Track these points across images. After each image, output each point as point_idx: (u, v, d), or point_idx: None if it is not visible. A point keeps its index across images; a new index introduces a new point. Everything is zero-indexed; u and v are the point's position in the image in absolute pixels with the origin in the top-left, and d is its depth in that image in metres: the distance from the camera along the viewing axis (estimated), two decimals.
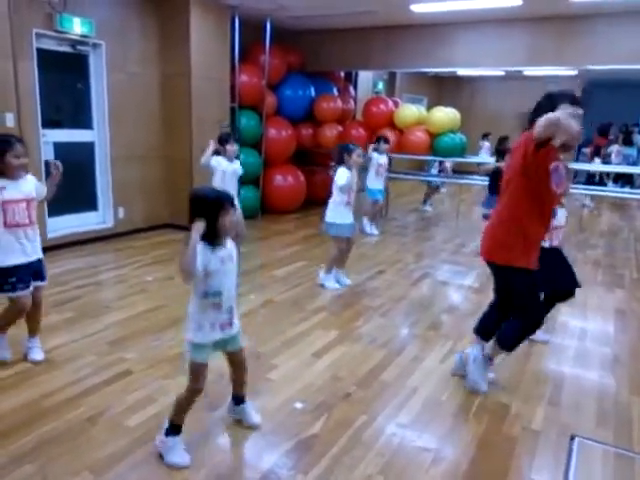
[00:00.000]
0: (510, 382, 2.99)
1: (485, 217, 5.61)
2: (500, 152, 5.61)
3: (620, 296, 4.55)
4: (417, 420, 2.57)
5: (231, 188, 4.63)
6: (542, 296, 3.50)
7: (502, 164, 5.19)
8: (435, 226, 7.54)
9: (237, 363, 2.36)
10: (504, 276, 2.72)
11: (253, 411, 2.47)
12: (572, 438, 2.47)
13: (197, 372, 2.17)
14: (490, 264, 2.74)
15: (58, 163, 2.83)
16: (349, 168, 4.22)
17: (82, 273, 4.63)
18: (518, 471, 2.24)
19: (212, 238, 2.05)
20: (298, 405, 2.64)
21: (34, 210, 2.82)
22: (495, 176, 3.43)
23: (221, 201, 2.05)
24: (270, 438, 2.38)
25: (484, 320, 3.02)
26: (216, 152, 4.62)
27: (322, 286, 4.44)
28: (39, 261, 2.90)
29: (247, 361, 2.39)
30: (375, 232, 6.60)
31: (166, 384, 2.80)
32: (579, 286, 3.36)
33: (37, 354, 3.00)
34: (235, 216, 2.11)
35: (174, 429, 2.21)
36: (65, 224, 5.51)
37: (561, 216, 3.36)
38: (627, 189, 9.21)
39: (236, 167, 4.68)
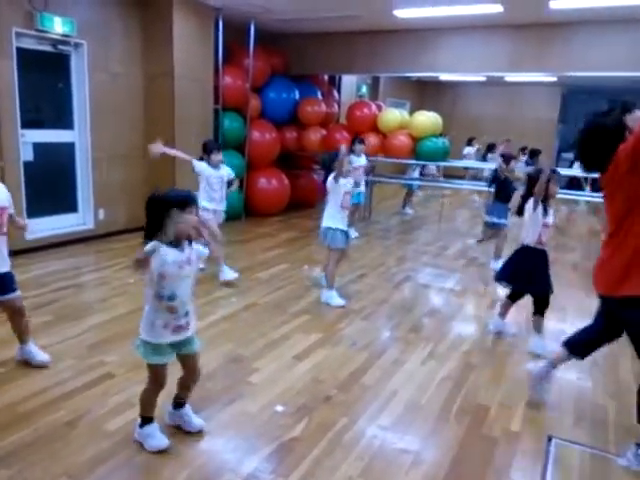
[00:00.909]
0: (490, 384, 3.03)
1: (491, 225, 5.62)
2: (505, 157, 5.66)
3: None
4: (398, 422, 2.59)
5: (217, 194, 4.63)
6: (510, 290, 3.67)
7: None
8: (418, 229, 7.60)
9: (189, 368, 2.31)
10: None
11: (193, 415, 2.42)
12: (549, 439, 2.52)
13: (155, 373, 2.20)
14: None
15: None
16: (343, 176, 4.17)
17: (62, 275, 4.57)
18: (497, 472, 2.27)
19: (168, 238, 2.04)
20: (279, 408, 2.64)
21: (5, 220, 2.72)
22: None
23: (178, 200, 2.04)
24: (251, 441, 2.38)
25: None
26: (200, 158, 4.61)
27: (327, 304, 4.19)
28: (10, 273, 2.79)
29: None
30: (355, 234, 6.55)
31: None
32: (552, 292, 3.47)
33: (42, 355, 2.94)
34: (194, 218, 2.09)
35: (146, 420, 2.27)
36: (45, 226, 5.43)
37: (550, 215, 3.43)
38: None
39: (222, 173, 4.64)
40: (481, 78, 11.80)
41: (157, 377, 2.21)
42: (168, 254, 2.04)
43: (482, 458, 2.35)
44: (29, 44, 5.01)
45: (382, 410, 2.69)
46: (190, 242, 2.14)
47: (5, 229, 2.73)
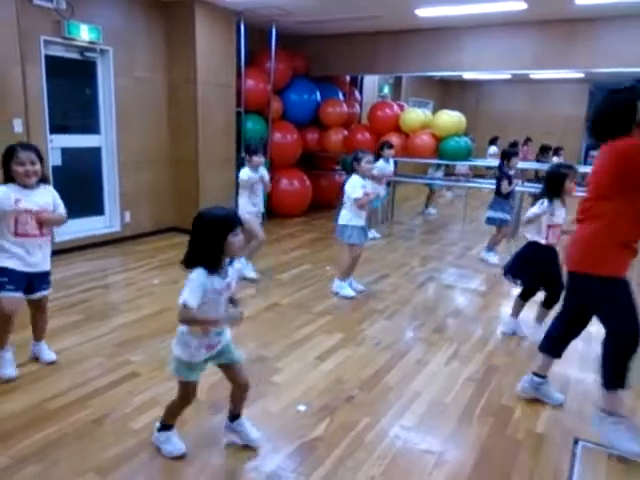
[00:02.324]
0: (514, 385, 2.98)
1: (492, 222, 5.59)
2: (505, 154, 5.64)
3: None
4: (420, 423, 2.57)
5: (259, 197, 4.69)
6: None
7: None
8: (441, 229, 7.54)
9: (234, 378, 2.25)
10: None
11: (251, 427, 2.36)
12: (576, 442, 2.47)
13: (185, 390, 2.17)
14: None
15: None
16: (362, 176, 4.19)
17: (89, 276, 4.67)
18: (521, 474, 2.24)
19: (215, 264, 1.97)
20: (301, 408, 2.65)
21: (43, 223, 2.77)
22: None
23: (230, 221, 1.96)
24: (273, 441, 2.39)
25: None
26: (240, 165, 4.69)
27: (336, 294, 4.35)
28: (45, 274, 2.86)
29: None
30: (376, 235, 6.60)
31: (172, 386, 2.80)
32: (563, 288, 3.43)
33: (49, 355, 3.03)
34: (242, 237, 1.99)
35: (165, 427, 2.27)
36: (72, 228, 5.55)
37: (560, 215, 3.38)
38: None
39: (262, 174, 4.69)
40: (506, 76, 11.64)
41: (187, 394, 2.18)
42: (212, 284, 1.97)
43: (506, 460, 2.32)
44: (57, 51, 5.14)
45: (405, 410, 2.67)
46: (231, 262, 2.06)
47: (46, 230, 2.79)
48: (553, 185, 3.36)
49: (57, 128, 5.25)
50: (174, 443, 2.25)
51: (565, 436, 2.50)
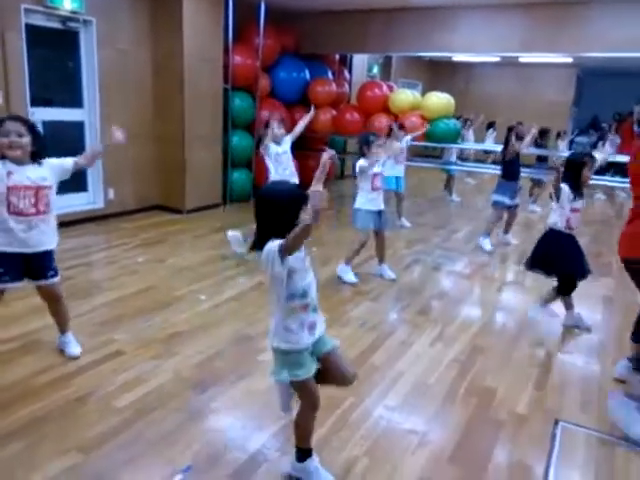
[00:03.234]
0: (497, 367, 3.02)
1: (498, 204, 5.51)
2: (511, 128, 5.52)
3: (608, 284, 4.60)
4: (404, 403, 2.60)
5: (288, 169, 4.64)
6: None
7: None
8: (429, 212, 7.55)
9: (334, 369, 1.96)
10: None
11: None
12: (556, 423, 2.51)
13: (308, 390, 1.89)
14: None
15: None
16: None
17: (72, 254, 4.60)
18: (503, 454, 2.28)
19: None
20: None
21: (45, 198, 2.61)
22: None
23: (300, 195, 1.80)
24: (258, 419, 2.40)
25: None
26: (259, 142, 4.62)
27: (339, 278, 4.28)
28: (46, 254, 2.67)
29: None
30: (407, 224, 6.40)
31: (156, 365, 2.81)
32: (591, 272, 3.50)
33: (74, 348, 2.87)
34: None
35: (305, 454, 1.99)
36: (54, 205, 5.45)
37: (578, 204, 3.39)
38: (618, 178, 9.25)
39: (286, 148, 4.65)
40: (495, 59, 11.58)
41: (310, 395, 1.90)
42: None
43: (488, 440, 2.36)
44: (38, 21, 4.97)
45: (389, 391, 2.70)
46: None
47: (43, 207, 2.61)
48: (572, 172, 3.36)
49: (38, 101, 5.10)
50: (320, 476, 1.97)
51: (546, 417, 2.55)
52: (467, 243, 5.72)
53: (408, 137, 6.38)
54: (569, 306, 3.60)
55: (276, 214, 1.79)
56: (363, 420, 2.43)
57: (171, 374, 2.73)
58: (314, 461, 2.00)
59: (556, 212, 3.44)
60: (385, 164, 4.59)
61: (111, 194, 5.93)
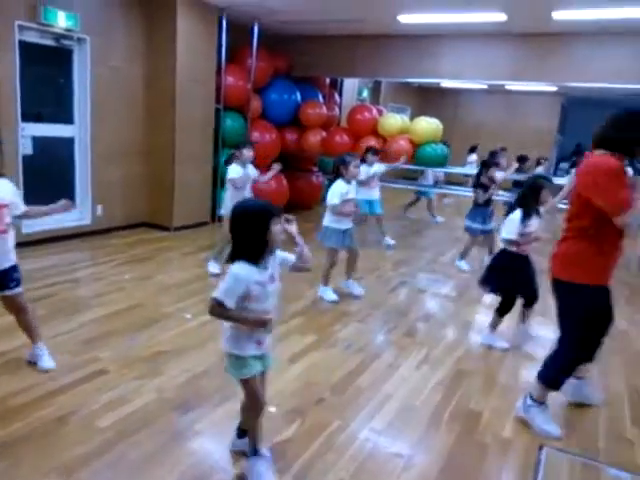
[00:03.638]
0: (482, 390, 3.03)
1: (471, 231, 5.62)
2: (484, 164, 5.67)
3: None
4: (390, 426, 2.59)
5: (247, 193, 4.65)
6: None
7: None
8: (415, 234, 7.61)
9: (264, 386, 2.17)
10: None
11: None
12: (540, 448, 2.51)
13: (251, 389, 2.06)
14: None
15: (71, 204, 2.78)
16: (347, 181, 4.16)
17: (58, 270, 4.56)
18: (488, 478, 2.27)
19: (257, 256, 1.93)
20: (272, 409, 2.64)
21: (4, 218, 2.58)
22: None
23: (269, 210, 1.93)
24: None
25: None
26: (228, 160, 4.64)
27: (321, 299, 4.33)
28: (11, 269, 2.67)
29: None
30: (390, 242, 6.53)
31: (141, 384, 2.78)
32: (536, 296, 3.60)
33: (47, 362, 2.85)
34: (280, 226, 1.96)
35: (258, 452, 2.17)
36: (41, 220, 5.39)
37: (534, 224, 3.44)
38: None
39: (250, 172, 4.67)
40: (483, 86, 11.84)
41: (252, 393, 2.06)
42: (254, 276, 1.92)
43: (473, 464, 2.36)
44: (31, 37, 5.00)
45: (375, 414, 2.69)
46: (272, 252, 2.00)
47: (2, 226, 2.57)
48: (531, 195, 3.43)
49: (29, 116, 5.11)
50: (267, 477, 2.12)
51: (531, 441, 2.55)
52: (452, 266, 5.77)
53: (382, 166, 6.41)
54: (494, 326, 3.70)
55: (245, 228, 1.92)
56: (349, 443, 2.42)
57: (155, 394, 2.70)
58: (264, 461, 2.15)
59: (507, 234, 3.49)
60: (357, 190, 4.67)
61: (99, 210, 5.91)
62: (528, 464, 2.38)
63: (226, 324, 2.04)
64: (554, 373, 2.66)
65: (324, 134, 8.07)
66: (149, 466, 2.16)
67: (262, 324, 1.97)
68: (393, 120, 7.91)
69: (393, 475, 2.23)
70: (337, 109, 8.94)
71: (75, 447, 2.23)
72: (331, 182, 4.36)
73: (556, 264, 2.60)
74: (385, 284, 4.96)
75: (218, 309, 1.92)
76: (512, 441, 2.55)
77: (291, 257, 2.11)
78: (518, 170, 7.86)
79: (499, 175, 5.58)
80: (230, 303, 1.89)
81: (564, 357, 2.64)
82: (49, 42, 5.18)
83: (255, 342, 2.03)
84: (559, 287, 2.60)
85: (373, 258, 5.88)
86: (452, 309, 4.45)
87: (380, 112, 8.43)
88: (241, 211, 1.97)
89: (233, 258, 1.94)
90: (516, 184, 8.25)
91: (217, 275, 4.61)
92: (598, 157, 2.39)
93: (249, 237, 1.92)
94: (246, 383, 2.06)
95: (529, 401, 2.70)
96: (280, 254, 2.06)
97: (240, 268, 1.91)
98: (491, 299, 4.77)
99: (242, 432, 2.25)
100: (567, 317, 2.62)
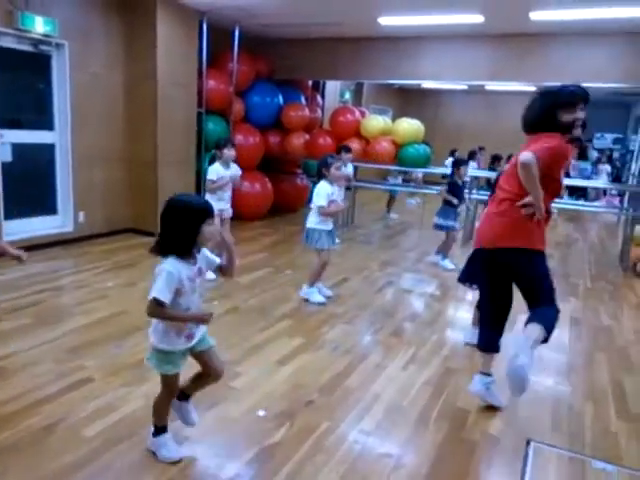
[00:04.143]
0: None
1: (439, 228, 5.73)
2: (455, 163, 5.82)
3: (575, 305, 4.73)
4: (379, 427, 2.60)
5: (227, 193, 4.64)
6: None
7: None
8: (400, 235, 7.66)
9: (207, 363, 2.19)
10: None
11: (193, 410, 2.35)
12: (528, 443, 2.55)
13: (169, 383, 2.15)
14: None
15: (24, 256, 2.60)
16: (330, 182, 4.18)
17: (40, 278, 4.50)
18: (477, 475, 2.30)
19: (186, 252, 1.96)
20: (261, 413, 2.64)
21: None
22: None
23: (204, 210, 1.95)
24: (232, 446, 2.36)
25: None
26: (211, 160, 4.60)
27: (307, 301, 4.31)
28: None
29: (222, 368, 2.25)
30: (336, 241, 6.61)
31: (128, 392, 2.75)
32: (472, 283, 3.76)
33: None
34: (217, 227, 2.03)
35: (160, 430, 2.23)
36: (23, 227, 5.34)
37: None
38: (581, 202, 9.57)
39: (234, 171, 4.63)
40: (463, 86, 11.96)
41: (170, 386, 2.16)
42: (184, 271, 1.95)
43: (462, 461, 2.37)
44: (8, 43, 4.93)
45: (364, 414, 2.70)
46: (199, 250, 2.04)
47: None
48: None
49: (8, 123, 5.04)
50: (170, 447, 2.22)
51: (518, 437, 2.58)
52: (437, 265, 5.81)
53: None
54: (476, 323, 3.68)
55: (178, 223, 1.92)
56: (339, 444, 2.43)
57: (142, 401, 2.67)
58: (165, 436, 2.22)
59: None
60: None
61: (81, 217, 5.84)
62: (517, 459, 2.41)
63: (154, 321, 2.05)
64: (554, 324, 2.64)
65: (307, 137, 8.09)
66: (138, 474, 2.14)
67: (203, 321, 2.01)
68: (375, 122, 7.96)
69: (383, 475, 2.24)
70: (320, 111, 8.97)
71: (62, 456, 2.20)
72: (314, 184, 4.37)
73: (506, 233, 2.66)
74: (372, 285, 4.97)
75: (158, 309, 1.92)
76: (500, 437, 2.58)
77: (216, 259, 2.14)
78: (492, 169, 8.01)
79: (463, 169, 5.69)
80: (168, 301, 1.91)
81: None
82: (27, 48, 5.11)
83: (185, 337, 2.06)
84: (508, 255, 2.66)
85: (359, 259, 5.90)
86: (438, 308, 4.49)
87: (363, 114, 8.48)
88: (176, 205, 1.94)
89: (161, 252, 1.95)
90: (489, 183, 8.43)
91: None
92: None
93: (180, 232, 1.92)
94: (167, 379, 2.12)
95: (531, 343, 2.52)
96: (206, 252, 2.09)
97: (172, 265, 1.92)
98: (473, 296, 4.82)
99: (157, 430, 2.24)
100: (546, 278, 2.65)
